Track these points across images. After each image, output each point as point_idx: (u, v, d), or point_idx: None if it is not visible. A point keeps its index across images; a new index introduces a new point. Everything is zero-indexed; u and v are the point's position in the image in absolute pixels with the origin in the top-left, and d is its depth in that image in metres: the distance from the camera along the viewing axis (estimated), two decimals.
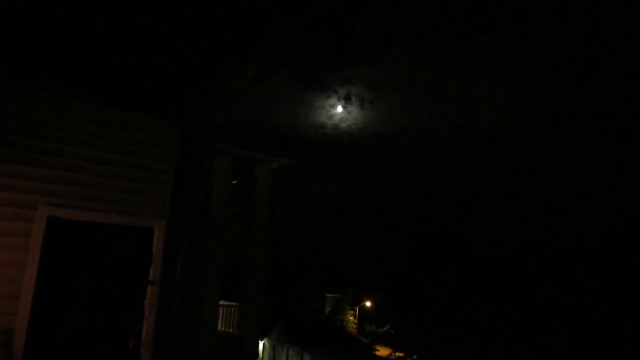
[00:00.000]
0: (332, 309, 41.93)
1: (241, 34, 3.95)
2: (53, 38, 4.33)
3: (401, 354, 34.99)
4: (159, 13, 3.81)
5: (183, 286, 5.42)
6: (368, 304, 40.97)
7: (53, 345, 4.78)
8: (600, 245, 30.02)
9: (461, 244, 38.56)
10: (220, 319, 11.70)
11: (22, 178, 4.90)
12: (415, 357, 34.42)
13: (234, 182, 12.74)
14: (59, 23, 4.14)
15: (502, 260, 34.19)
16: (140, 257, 5.32)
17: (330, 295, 43.16)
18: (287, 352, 23.08)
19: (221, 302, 11.43)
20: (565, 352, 26.31)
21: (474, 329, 31.43)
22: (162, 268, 5.36)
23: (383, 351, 36.16)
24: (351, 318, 41.22)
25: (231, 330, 11.66)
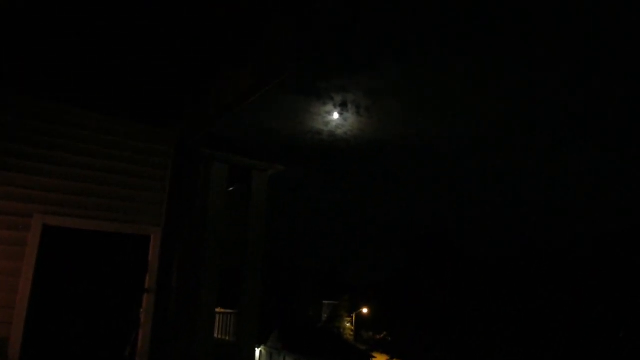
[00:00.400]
0: (329, 316, 41.78)
1: (240, 37, 3.98)
2: (50, 42, 4.35)
3: None
4: (155, 20, 3.84)
5: (179, 293, 5.41)
6: (365, 310, 40.85)
7: (48, 354, 4.76)
8: (597, 248, 30.13)
9: (458, 249, 38.59)
10: (217, 326, 11.65)
11: (17, 186, 4.90)
12: None
13: (230, 189, 12.73)
14: (56, 30, 4.16)
15: (499, 267, 34.22)
16: (136, 265, 5.31)
17: (326, 302, 43.01)
18: (284, 358, 22.95)
19: (217, 309, 11.38)
20: (563, 358, 26.30)
21: (471, 336, 31.39)
22: (157, 275, 5.35)
23: (380, 358, 36.03)
24: (348, 325, 41.08)
25: (227, 337, 11.60)
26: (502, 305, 30.76)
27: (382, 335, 38.17)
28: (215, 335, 11.57)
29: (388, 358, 34.98)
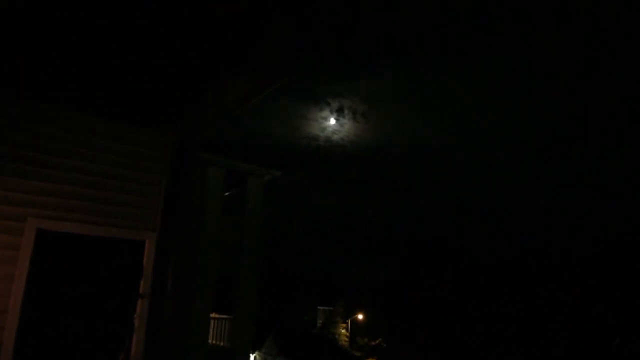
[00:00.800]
0: (324, 322, 41.64)
1: (239, 38, 3.97)
2: (47, 44, 4.34)
3: None
4: (155, 20, 3.83)
5: (174, 299, 5.38)
6: (360, 316, 40.74)
7: (41, 359, 4.71)
8: (596, 250, 30.26)
9: (453, 256, 38.63)
10: (211, 331, 11.58)
11: (11, 190, 4.86)
12: None
13: (226, 194, 12.71)
14: (54, 31, 4.15)
15: (497, 270, 34.28)
16: (131, 270, 5.28)
17: (321, 308, 42.87)
18: None
19: (212, 315, 11.32)
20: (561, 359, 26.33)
21: (469, 341, 31.36)
22: (152, 280, 5.32)
23: None
24: (343, 331, 40.94)
25: (222, 343, 11.53)
26: (500, 309, 30.78)
27: (377, 342, 38.05)
28: (210, 340, 11.50)
29: None
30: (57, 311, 4.85)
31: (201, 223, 10.23)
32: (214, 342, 11.69)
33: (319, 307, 42.86)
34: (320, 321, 42.03)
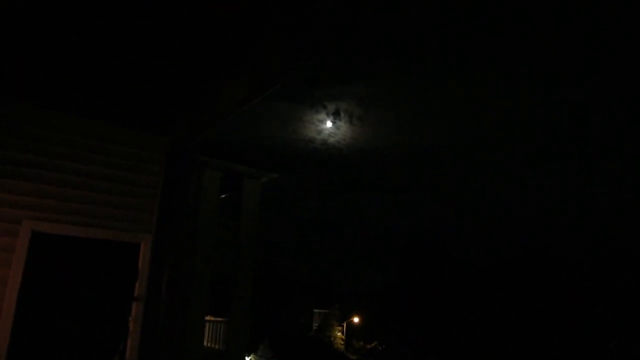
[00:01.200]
0: (319, 325, 41.56)
1: (238, 40, 3.97)
2: (43, 47, 4.32)
3: None
4: (151, 22, 3.82)
5: (169, 302, 5.35)
6: (356, 319, 40.69)
7: None
8: (591, 254, 30.39)
9: (450, 259, 38.68)
10: (206, 334, 11.54)
11: (6, 191, 4.83)
12: None
13: (222, 196, 12.68)
14: (51, 33, 4.13)
15: (490, 276, 34.33)
16: (126, 272, 5.25)
17: (317, 311, 42.79)
18: None
19: (207, 318, 11.28)
20: None
21: (463, 344, 31.38)
22: (147, 283, 5.29)
23: None
24: (338, 334, 40.88)
25: (217, 346, 11.49)
26: (497, 312, 30.82)
27: (372, 345, 38.01)
28: (205, 343, 11.45)
29: None
30: (51, 314, 4.82)
31: (197, 225, 10.20)
32: (209, 345, 11.64)
33: (314, 310, 42.77)
34: (316, 324, 41.96)
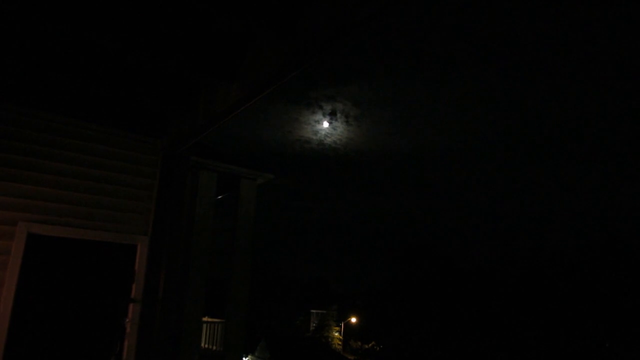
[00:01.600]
0: (317, 325, 41.57)
1: (230, 46, 4.00)
2: (39, 48, 4.34)
3: None
4: (145, 27, 3.86)
5: (165, 303, 5.37)
6: (353, 319, 40.73)
7: None
8: (585, 260, 30.51)
9: (447, 259, 38.78)
10: (203, 335, 11.55)
11: (2, 194, 4.84)
12: None
13: (219, 197, 12.69)
14: (47, 33, 4.16)
15: (487, 277, 34.44)
16: (122, 274, 5.27)
17: (314, 311, 42.81)
18: None
19: (204, 319, 11.29)
20: None
21: (460, 344, 31.46)
22: (144, 285, 5.31)
23: None
24: (336, 334, 40.90)
25: (214, 347, 11.50)
26: (493, 313, 30.92)
27: (370, 345, 38.07)
28: (202, 344, 11.46)
29: None
30: (48, 316, 4.83)
31: (194, 226, 10.21)
32: (206, 346, 11.65)
33: (311, 311, 42.79)
34: (314, 325, 41.96)
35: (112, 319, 5.13)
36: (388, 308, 37.95)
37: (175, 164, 5.74)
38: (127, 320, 5.15)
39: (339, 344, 40.43)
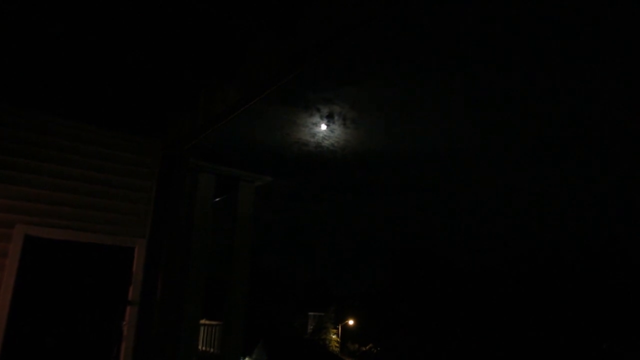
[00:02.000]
0: (314, 327, 41.48)
1: (230, 47, 3.99)
2: (36, 49, 4.31)
3: None
4: (144, 28, 3.84)
5: (163, 306, 5.34)
6: (351, 322, 40.66)
7: None
8: (582, 260, 30.54)
9: (444, 262, 38.77)
10: (201, 338, 11.50)
11: None
12: None
13: (217, 200, 12.66)
14: (42, 36, 4.13)
15: (484, 278, 34.44)
16: (120, 277, 5.24)
17: (312, 314, 42.74)
18: None
19: (202, 321, 11.24)
20: None
21: (457, 346, 31.44)
22: (141, 287, 5.28)
23: None
24: (333, 336, 40.82)
25: (212, 350, 11.45)
26: (491, 315, 30.90)
27: (368, 347, 38.01)
28: (200, 347, 11.41)
29: None
30: (45, 318, 4.80)
31: (192, 229, 10.18)
32: (203, 348, 11.60)
33: (309, 313, 42.72)
34: (311, 327, 41.88)
35: (110, 322, 5.09)
36: (386, 310, 37.91)
37: (174, 166, 5.72)
38: (125, 323, 5.11)
39: (336, 346, 40.35)
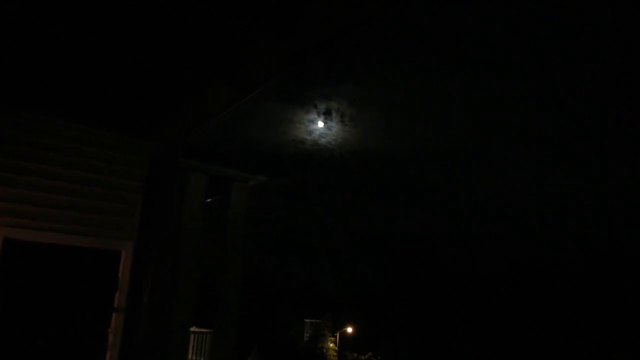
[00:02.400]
0: (311, 335, 41.48)
1: (223, 43, 3.99)
2: (22, 47, 4.30)
3: None
4: (135, 25, 3.83)
5: (151, 312, 5.33)
6: (349, 329, 40.67)
7: None
8: (588, 263, 30.72)
9: (446, 266, 38.84)
10: (191, 346, 11.48)
11: None
12: None
13: (208, 200, 12.64)
14: (29, 34, 4.12)
15: (488, 282, 34.53)
16: (105, 282, 5.22)
17: (308, 321, 42.72)
18: None
19: (192, 329, 11.22)
20: None
21: (459, 355, 31.51)
22: (128, 293, 5.27)
23: None
24: (331, 345, 40.84)
25: (202, 358, 11.43)
26: (495, 322, 30.99)
27: (367, 356, 38.03)
28: (190, 356, 11.39)
29: None
30: (26, 325, 4.78)
31: (181, 232, 10.16)
32: (193, 357, 11.58)
33: (306, 320, 42.69)
34: (307, 335, 41.87)
35: (94, 329, 5.08)
36: (386, 317, 37.96)
37: (163, 166, 5.71)
38: (110, 330, 5.10)
39: (334, 355, 40.38)
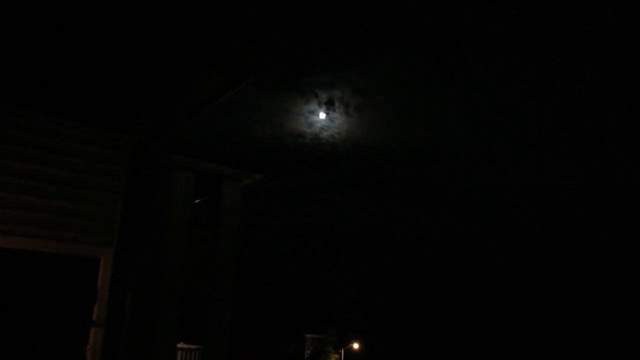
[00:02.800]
0: (312, 352, 41.55)
1: (211, 33, 4.00)
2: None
3: None
4: (115, 13, 3.84)
5: (133, 326, 5.35)
6: (355, 345, 40.74)
7: None
8: (600, 271, 30.81)
9: (461, 274, 38.87)
10: None
11: None
12: None
13: (197, 201, 12.66)
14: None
15: (504, 293, 34.56)
16: (83, 292, 5.24)
17: (310, 336, 42.79)
18: None
19: (179, 345, 11.26)
20: None
21: None
22: (108, 305, 5.29)
23: None
24: None
25: None
26: (513, 334, 31.03)
27: None
28: None
29: None
30: None
31: (166, 236, 10.17)
32: None
33: (306, 335, 42.75)
34: (308, 352, 41.95)
35: (70, 346, 5.09)
36: (396, 331, 38.00)
37: (146, 163, 5.73)
38: (88, 347, 5.12)
39: None
